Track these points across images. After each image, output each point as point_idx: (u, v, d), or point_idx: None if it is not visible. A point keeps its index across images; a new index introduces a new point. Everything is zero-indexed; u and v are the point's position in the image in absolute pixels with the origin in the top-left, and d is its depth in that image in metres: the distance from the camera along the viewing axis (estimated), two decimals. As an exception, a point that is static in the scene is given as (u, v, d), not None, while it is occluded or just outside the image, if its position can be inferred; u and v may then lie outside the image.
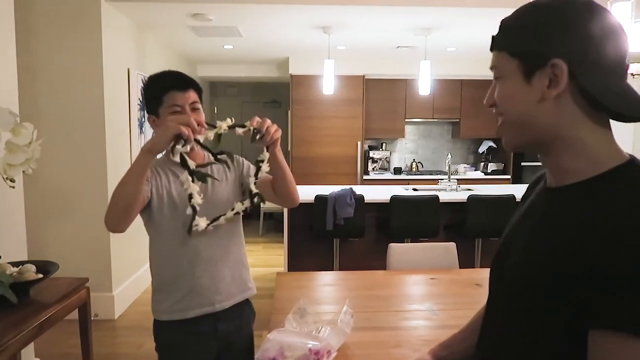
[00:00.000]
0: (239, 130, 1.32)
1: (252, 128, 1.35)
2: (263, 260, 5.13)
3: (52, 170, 3.28)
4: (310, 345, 1.27)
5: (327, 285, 2.26)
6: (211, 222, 1.40)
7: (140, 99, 3.96)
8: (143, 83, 1.53)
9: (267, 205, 6.39)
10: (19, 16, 2.53)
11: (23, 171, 1.60)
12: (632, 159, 0.68)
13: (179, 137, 1.16)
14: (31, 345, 2.58)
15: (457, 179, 4.98)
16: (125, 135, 3.71)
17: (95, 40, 3.28)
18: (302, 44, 4.83)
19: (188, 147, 1.20)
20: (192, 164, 1.20)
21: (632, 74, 1.92)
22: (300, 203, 3.82)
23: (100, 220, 3.67)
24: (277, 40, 4.70)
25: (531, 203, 0.79)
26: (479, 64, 5.55)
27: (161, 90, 1.42)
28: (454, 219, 3.97)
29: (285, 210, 3.91)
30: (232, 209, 1.44)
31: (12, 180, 1.71)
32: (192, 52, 5.38)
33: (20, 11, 2.76)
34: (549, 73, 0.66)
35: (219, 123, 1.27)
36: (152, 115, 1.46)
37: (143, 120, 4.01)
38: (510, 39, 0.70)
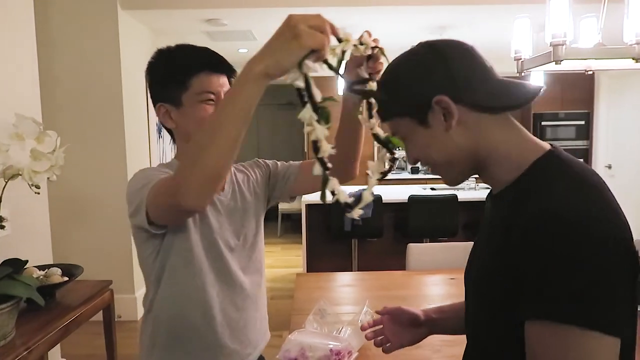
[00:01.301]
0: (361, 49, 0.88)
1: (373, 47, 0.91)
2: (282, 261, 5.16)
3: (74, 176, 3.36)
4: (331, 346, 1.27)
5: (346, 285, 2.26)
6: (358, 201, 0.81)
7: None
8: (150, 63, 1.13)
9: (285, 206, 6.42)
10: (39, 27, 2.60)
11: (48, 178, 1.64)
12: (551, 150, 0.73)
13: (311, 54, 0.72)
14: (57, 346, 2.64)
15: (475, 178, 4.93)
16: (144, 140, 3.77)
17: (114, 48, 3.34)
18: (316, 45, 4.84)
19: (318, 67, 0.75)
20: (318, 93, 0.73)
21: (585, 71, 1.89)
22: (318, 204, 3.86)
23: (121, 223, 3.69)
24: (291, 43, 4.71)
25: (486, 210, 0.87)
26: (496, 62, 5.47)
27: (188, 71, 1.03)
28: (473, 218, 3.93)
29: (303, 211, 3.92)
30: (380, 172, 0.91)
31: (38, 187, 1.75)
32: (208, 57, 5.43)
33: (40, 22, 2.83)
34: (438, 110, 0.72)
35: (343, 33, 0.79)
36: (166, 104, 1.07)
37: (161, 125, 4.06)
38: (392, 106, 0.78)
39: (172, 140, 1.17)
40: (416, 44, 0.79)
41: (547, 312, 0.58)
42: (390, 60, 0.82)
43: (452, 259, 2.41)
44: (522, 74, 1.95)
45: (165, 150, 4.19)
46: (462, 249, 2.43)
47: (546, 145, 0.74)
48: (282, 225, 6.49)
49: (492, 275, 0.70)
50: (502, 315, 0.68)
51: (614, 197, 0.67)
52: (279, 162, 1.33)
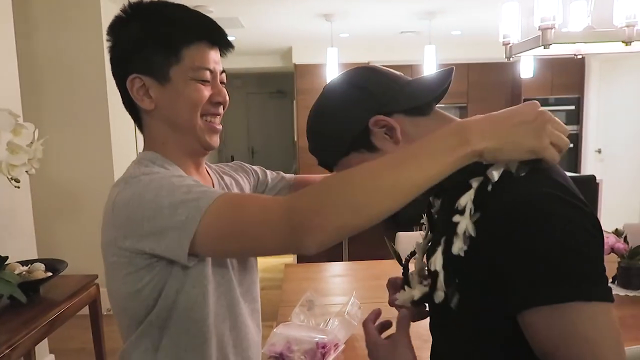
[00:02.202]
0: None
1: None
2: (273, 252, 5.14)
3: (58, 169, 3.29)
4: (317, 339, 1.26)
5: (336, 276, 2.25)
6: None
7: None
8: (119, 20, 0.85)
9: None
10: (18, 15, 2.52)
11: (26, 171, 1.60)
12: None
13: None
14: (45, 341, 2.62)
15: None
16: (130, 132, 3.71)
17: (96, 37, 3.26)
18: (305, 32, 4.77)
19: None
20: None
21: (574, 55, 1.88)
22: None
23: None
24: (279, 30, 4.65)
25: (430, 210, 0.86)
26: (485, 47, 5.44)
27: (182, 39, 0.81)
28: (463, 205, 3.94)
29: (293, 201, 3.90)
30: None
31: (17, 181, 1.71)
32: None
33: (18, 12, 2.75)
34: (378, 131, 0.73)
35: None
36: (145, 77, 0.82)
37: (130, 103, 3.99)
38: (332, 152, 0.77)
39: (136, 126, 0.90)
40: (325, 86, 0.81)
41: (548, 296, 0.57)
42: None
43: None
44: (511, 58, 1.92)
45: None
46: (451, 237, 2.43)
47: None
48: (273, 215, 6.47)
49: (474, 281, 0.66)
50: (479, 313, 0.65)
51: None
52: (267, 171, 1.18)
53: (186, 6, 0.85)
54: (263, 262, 4.75)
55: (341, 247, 3.95)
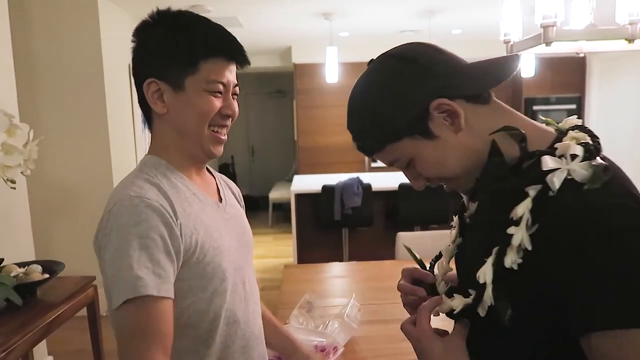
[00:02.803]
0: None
1: None
2: (273, 252, 5.13)
3: (56, 170, 3.27)
4: (315, 342, 1.24)
5: (335, 277, 2.23)
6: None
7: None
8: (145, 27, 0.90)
9: (276, 195, 6.37)
10: (13, 14, 2.50)
11: (21, 172, 1.58)
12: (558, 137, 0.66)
13: None
14: (44, 343, 2.60)
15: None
16: (129, 132, 3.69)
17: (94, 36, 3.24)
18: (304, 31, 4.75)
19: None
20: None
21: (576, 53, 1.86)
22: (308, 193, 3.82)
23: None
24: (278, 29, 4.62)
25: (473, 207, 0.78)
26: (485, 46, 5.41)
27: (202, 51, 0.84)
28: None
29: (293, 201, 3.88)
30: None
31: (12, 182, 1.69)
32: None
33: (15, 8, 2.73)
34: (437, 116, 0.65)
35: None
36: (161, 82, 0.85)
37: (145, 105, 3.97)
38: (381, 134, 0.68)
39: (145, 126, 0.96)
40: (373, 59, 0.72)
41: (626, 319, 0.52)
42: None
43: (441, 247, 2.37)
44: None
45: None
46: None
47: (550, 130, 0.68)
48: (273, 215, 6.45)
49: (527, 297, 0.60)
50: (529, 329, 0.61)
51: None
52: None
53: (209, 20, 0.89)
54: (263, 262, 4.74)
55: (342, 248, 3.93)
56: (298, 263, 3.85)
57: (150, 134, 0.94)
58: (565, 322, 0.56)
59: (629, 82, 5.32)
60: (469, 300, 0.67)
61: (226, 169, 7.49)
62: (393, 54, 0.69)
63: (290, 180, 4.42)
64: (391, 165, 0.73)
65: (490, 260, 0.62)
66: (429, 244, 2.40)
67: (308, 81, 5.56)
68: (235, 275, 0.90)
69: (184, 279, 0.81)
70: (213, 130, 0.88)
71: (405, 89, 0.66)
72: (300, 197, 3.88)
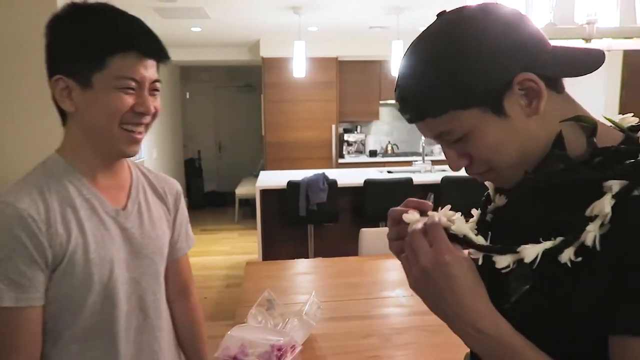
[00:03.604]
0: None
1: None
2: (239, 248, 5.06)
3: (4, 160, 3.11)
4: (272, 342, 1.20)
5: (298, 274, 2.20)
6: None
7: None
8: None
9: (242, 191, 6.29)
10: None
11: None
12: (629, 136, 0.61)
13: None
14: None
15: (432, 160, 4.96)
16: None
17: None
18: (273, 25, 4.68)
19: None
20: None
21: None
22: (274, 189, 3.77)
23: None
24: (246, 22, 4.54)
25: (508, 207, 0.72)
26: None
27: (109, 47, 0.80)
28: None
29: (258, 197, 3.82)
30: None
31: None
32: (159, 35, 5.16)
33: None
34: (517, 92, 0.58)
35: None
36: (68, 80, 0.82)
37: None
38: (450, 96, 0.58)
39: (62, 122, 0.89)
40: (445, 11, 0.62)
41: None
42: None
43: (405, 244, 2.38)
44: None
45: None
46: (415, 234, 2.42)
47: (612, 128, 0.62)
48: (239, 211, 6.36)
49: (573, 291, 0.56)
50: (574, 337, 0.56)
51: None
52: (183, 234, 1.07)
53: (124, 13, 0.85)
54: (228, 259, 4.66)
55: (307, 244, 3.91)
56: (263, 260, 3.80)
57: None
58: (605, 318, 0.53)
59: (589, 82, 5.50)
60: (492, 246, 0.59)
61: (192, 164, 7.33)
62: (482, 8, 0.59)
63: (258, 176, 4.36)
64: (436, 138, 0.63)
65: (545, 244, 0.56)
66: (393, 240, 2.42)
67: (276, 75, 5.50)
68: (115, 288, 0.86)
69: (53, 288, 0.81)
70: (126, 129, 0.84)
71: (496, 51, 0.56)
72: (266, 193, 3.83)
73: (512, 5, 1.55)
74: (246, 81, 7.74)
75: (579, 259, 0.54)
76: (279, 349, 1.20)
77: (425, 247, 0.58)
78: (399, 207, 0.67)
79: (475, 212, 0.74)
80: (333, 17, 4.38)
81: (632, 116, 0.63)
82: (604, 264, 0.53)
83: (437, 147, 6.15)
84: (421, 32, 0.63)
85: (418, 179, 3.85)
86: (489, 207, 0.73)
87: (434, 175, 4.10)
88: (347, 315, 1.62)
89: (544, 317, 0.58)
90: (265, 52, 5.45)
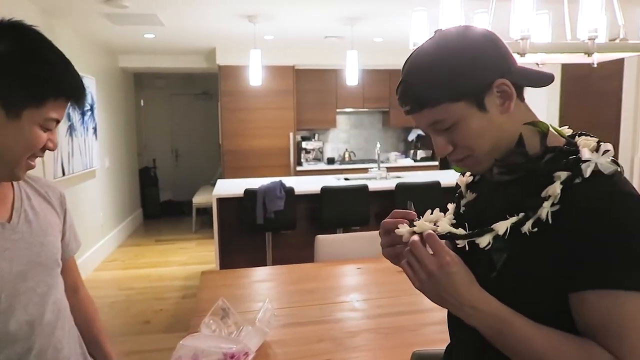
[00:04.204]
0: None
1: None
2: (197, 258, 4.98)
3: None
4: (224, 349, 1.21)
5: (255, 282, 2.20)
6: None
7: None
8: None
9: (200, 200, 6.19)
10: None
11: None
12: (570, 140, 0.79)
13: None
14: None
15: (387, 167, 5.08)
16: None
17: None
18: (228, 33, 4.67)
19: None
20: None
21: (536, 64, 2.01)
22: (231, 198, 3.75)
23: None
24: (201, 30, 4.51)
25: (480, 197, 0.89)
26: (406, 54, 5.63)
27: (53, 91, 0.86)
28: (384, 207, 4.04)
29: (214, 205, 3.79)
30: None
31: None
32: (111, 42, 5.04)
33: None
34: (495, 92, 0.74)
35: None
36: None
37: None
38: (443, 90, 0.74)
39: None
40: (440, 29, 0.79)
41: (618, 281, 0.65)
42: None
43: (360, 249, 2.44)
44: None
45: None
46: (368, 238, 2.48)
47: (555, 134, 0.80)
48: (197, 220, 6.26)
49: (537, 257, 0.72)
50: (544, 297, 0.72)
51: None
52: (70, 225, 1.10)
53: (59, 52, 0.90)
54: (185, 269, 4.58)
55: (265, 251, 3.91)
56: (221, 269, 3.76)
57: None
58: (564, 279, 0.69)
59: (530, 95, 5.80)
60: (472, 232, 0.76)
61: (147, 173, 7.15)
62: (474, 28, 0.77)
63: (215, 185, 4.32)
64: (429, 128, 0.78)
65: (511, 220, 0.73)
66: (348, 246, 2.46)
67: (232, 83, 5.48)
68: (10, 300, 0.88)
69: None
70: (28, 160, 0.89)
71: (482, 58, 0.73)
72: (223, 202, 3.80)
73: (452, 20, 1.64)
74: (203, 89, 7.65)
75: (535, 229, 0.71)
76: (232, 357, 1.20)
77: (427, 255, 0.72)
78: (389, 219, 0.82)
79: (450, 206, 0.90)
80: (288, 26, 4.43)
81: (568, 127, 0.83)
82: (555, 235, 0.70)
83: (394, 155, 6.31)
84: (422, 43, 0.80)
85: (373, 185, 3.93)
86: (461, 201, 0.91)
87: (388, 182, 4.20)
88: (302, 321, 1.65)
89: (520, 281, 0.73)
90: (222, 60, 5.43)
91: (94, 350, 1.12)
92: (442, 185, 3.86)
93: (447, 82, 0.73)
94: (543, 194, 0.72)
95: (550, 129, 0.79)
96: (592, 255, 0.67)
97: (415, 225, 0.77)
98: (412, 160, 6.22)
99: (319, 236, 2.42)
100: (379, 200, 4.01)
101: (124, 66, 5.98)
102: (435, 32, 0.78)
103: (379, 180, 4.37)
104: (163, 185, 7.40)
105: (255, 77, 4.31)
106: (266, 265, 3.69)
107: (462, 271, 0.72)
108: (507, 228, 0.72)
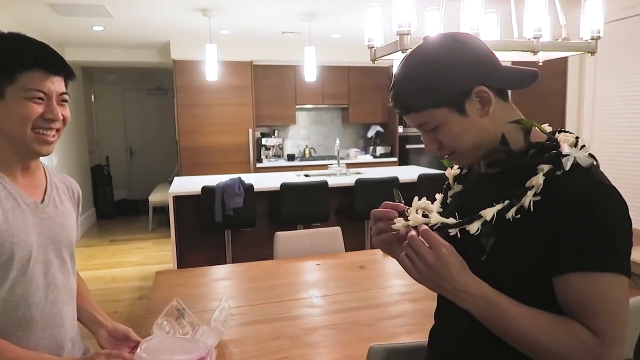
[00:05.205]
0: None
1: None
2: (153, 258, 4.84)
3: None
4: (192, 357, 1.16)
5: (212, 280, 2.16)
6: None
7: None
8: None
9: (156, 198, 6.02)
10: None
11: None
12: (551, 136, 0.86)
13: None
14: None
15: (347, 164, 5.12)
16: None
17: None
18: (183, 27, 4.55)
19: None
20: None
21: None
22: (188, 195, 3.66)
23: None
24: (153, 23, 4.36)
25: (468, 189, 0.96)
26: (363, 51, 5.68)
27: (18, 63, 0.97)
28: (344, 203, 4.07)
29: (171, 203, 3.69)
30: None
31: None
32: (56, 33, 4.80)
33: None
34: (474, 98, 0.80)
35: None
36: None
37: None
38: (426, 98, 0.81)
39: None
40: (429, 36, 0.86)
41: (595, 264, 0.72)
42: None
43: (319, 245, 2.44)
44: (375, 62, 2.02)
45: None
46: (328, 234, 2.48)
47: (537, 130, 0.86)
48: (154, 219, 6.08)
49: (520, 241, 0.78)
50: (528, 279, 0.78)
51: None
52: (79, 216, 1.27)
53: (34, 40, 1.02)
54: (141, 270, 4.44)
55: (224, 249, 3.85)
56: (178, 268, 3.68)
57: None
58: (547, 263, 0.75)
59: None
60: (462, 220, 0.83)
61: (100, 171, 6.87)
62: (453, 36, 0.82)
63: (172, 182, 4.20)
64: (418, 127, 0.86)
65: (497, 207, 0.80)
66: (307, 242, 2.46)
67: (188, 79, 5.35)
68: (33, 266, 1.03)
69: None
70: (38, 132, 1.00)
71: (459, 68, 0.79)
72: (180, 200, 3.71)
73: (405, 17, 1.66)
74: (157, 84, 7.43)
75: (518, 216, 0.78)
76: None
77: (425, 248, 0.78)
78: (378, 209, 0.89)
79: (438, 196, 0.98)
80: (245, 21, 4.36)
81: (548, 125, 0.90)
82: (538, 222, 0.77)
83: (354, 151, 6.36)
84: (412, 50, 0.86)
85: (333, 181, 3.95)
86: (449, 192, 0.99)
87: (348, 178, 4.23)
88: (259, 319, 1.63)
89: (506, 264, 0.80)
90: (176, 54, 5.28)
91: (88, 313, 1.25)
92: (400, 181, 3.92)
93: (429, 90, 0.80)
94: (527, 184, 0.78)
95: (534, 126, 0.86)
96: (573, 240, 0.74)
97: (408, 219, 0.84)
98: (372, 157, 6.29)
99: (278, 233, 2.41)
100: (339, 196, 4.04)
101: (71, 59, 5.68)
102: (423, 39, 0.86)
103: (339, 177, 4.39)
104: (117, 183, 7.14)
105: (211, 72, 4.23)
106: (225, 264, 3.64)
107: (456, 260, 0.78)
108: (494, 214, 0.80)
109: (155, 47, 5.65)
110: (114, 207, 6.83)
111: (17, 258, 1.00)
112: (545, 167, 0.78)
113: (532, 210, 0.77)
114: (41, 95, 0.99)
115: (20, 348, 1.01)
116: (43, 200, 1.10)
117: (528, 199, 0.77)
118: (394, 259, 0.87)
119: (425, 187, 3.96)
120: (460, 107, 0.80)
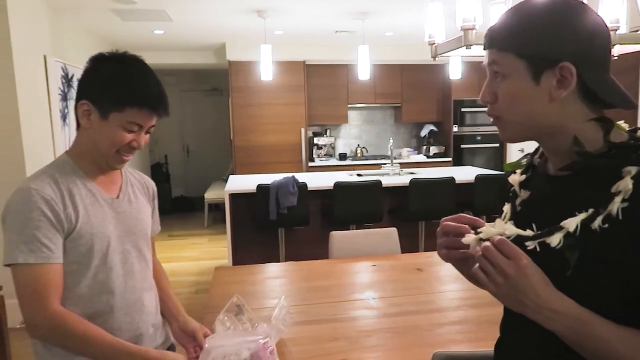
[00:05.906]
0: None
1: None
2: (209, 253, 4.99)
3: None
4: (251, 347, 1.18)
5: (268, 278, 2.19)
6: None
7: (63, 83, 3.65)
8: (88, 66, 1.14)
9: (212, 195, 6.20)
10: None
11: None
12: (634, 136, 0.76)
13: None
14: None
15: (400, 163, 5.03)
16: (46, 130, 3.42)
17: (1, 25, 2.97)
18: (238, 28, 4.65)
19: None
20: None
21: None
22: (243, 193, 3.74)
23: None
24: (210, 25, 4.49)
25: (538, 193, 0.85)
26: (417, 49, 5.60)
27: (131, 100, 1.07)
28: (398, 203, 4.00)
29: (227, 201, 3.78)
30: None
31: None
32: (120, 38, 5.05)
33: None
34: (556, 74, 0.71)
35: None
36: (92, 106, 1.08)
37: (66, 111, 3.70)
38: (515, 40, 0.73)
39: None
40: None
41: None
42: None
43: (374, 245, 2.41)
44: (436, 58, 1.96)
45: (72, 138, 3.84)
46: (384, 235, 2.44)
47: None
48: (209, 216, 6.27)
49: (608, 253, 0.69)
50: (617, 296, 0.69)
51: None
52: (156, 211, 1.37)
53: (151, 73, 1.13)
54: (197, 265, 4.59)
55: (278, 247, 3.89)
56: (233, 265, 3.76)
57: (69, 131, 1.13)
58: (638, 277, 0.66)
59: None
60: (541, 232, 0.73)
61: (159, 168, 7.18)
62: (589, 10, 0.73)
63: (227, 180, 4.31)
64: (488, 66, 0.78)
65: (580, 216, 0.70)
66: (361, 242, 2.44)
67: (243, 79, 5.47)
68: (112, 256, 1.14)
69: (65, 254, 1.07)
70: (120, 153, 1.12)
71: (568, 36, 0.71)
72: (235, 197, 3.80)
73: (469, 11, 1.59)
74: (213, 85, 7.65)
75: (606, 225, 0.68)
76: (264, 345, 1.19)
77: (503, 258, 0.70)
78: (450, 222, 0.82)
79: (506, 207, 0.88)
80: (298, 21, 4.39)
81: (624, 122, 0.80)
82: (627, 231, 0.67)
83: (406, 150, 6.25)
84: None
85: (387, 181, 3.89)
86: (516, 200, 0.88)
87: (402, 178, 4.16)
88: (316, 319, 1.63)
89: (593, 279, 0.70)
90: (232, 55, 5.41)
91: (164, 304, 1.33)
92: (456, 182, 3.80)
93: (522, 36, 0.73)
94: (613, 189, 0.69)
95: (615, 125, 0.77)
96: None
97: (479, 231, 0.76)
98: (425, 156, 6.16)
99: (334, 232, 2.40)
100: (392, 196, 3.98)
101: (135, 63, 5.98)
102: None
103: (392, 177, 4.32)
104: (175, 181, 7.43)
105: (266, 72, 4.29)
106: (279, 262, 3.68)
107: (537, 272, 0.70)
108: (578, 224, 0.70)
109: (212, 48, 5.82)
110: (171, 203, 7.12)
111: (96, 247, 1.10)
112: (633, 170, 0.69)
113: (620, 218, 0.68)
114: (136, 128, 1.10)
115: (107, 333, 1.08)
116: (118, 196, 1.20)
117: (616, 206, 0.68)
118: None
119: (483, 189, 3.81)
120: (538, 73, 0.72)
